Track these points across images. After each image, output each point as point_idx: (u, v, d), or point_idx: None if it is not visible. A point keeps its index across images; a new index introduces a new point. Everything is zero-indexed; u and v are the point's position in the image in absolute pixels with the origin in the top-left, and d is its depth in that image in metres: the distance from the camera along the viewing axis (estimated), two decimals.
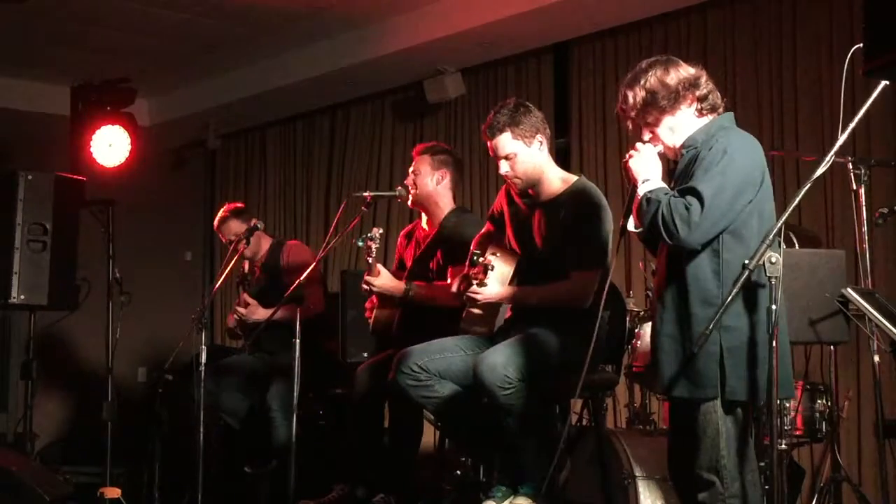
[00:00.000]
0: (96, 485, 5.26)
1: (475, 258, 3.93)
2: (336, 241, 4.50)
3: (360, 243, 4.46)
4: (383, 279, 4.52)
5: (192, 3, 6.35)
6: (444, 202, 4.69)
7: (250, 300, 5.53)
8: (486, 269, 3.87)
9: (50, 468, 5.23)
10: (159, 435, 5.25)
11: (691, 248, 3.05)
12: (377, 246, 4.45)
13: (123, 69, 6.07)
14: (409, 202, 4.72)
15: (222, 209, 5.82)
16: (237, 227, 5.57)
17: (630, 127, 3.28)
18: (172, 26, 6.72)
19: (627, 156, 3.22)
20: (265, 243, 5.80)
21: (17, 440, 5.92)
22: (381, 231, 4.50)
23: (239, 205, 5.92)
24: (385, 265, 4.65)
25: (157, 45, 7.06)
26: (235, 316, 5.60)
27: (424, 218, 4.76)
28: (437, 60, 6.72)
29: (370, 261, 4.47)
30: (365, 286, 4.56)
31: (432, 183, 4.64)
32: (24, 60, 7.29)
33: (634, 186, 3.18)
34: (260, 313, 5.42)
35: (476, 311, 4.02)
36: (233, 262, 5.16)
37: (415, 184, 4.65)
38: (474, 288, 3.91)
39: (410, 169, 4.69)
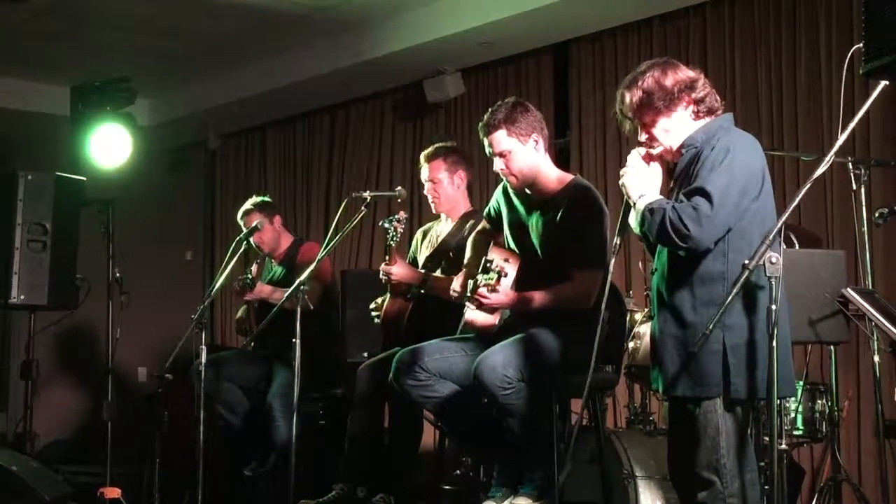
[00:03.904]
0: (96, 485, 5.25)
1: (488, 265, 3.90)
2: (337, 241, 4.50)
3: (387, 225, 4.47)
4: (401, 268, 4.54)
5: (193, 3, 6.35)
6: (463, 202, 4.77)
7: (261, 284, 5.56)
8: (499, 275, 3.85)
9: (50, 468, 5.21)
10: (159, 435, 5.24)
11: (704, 248, 3.04)
12: (402, 230, 4.48)
13: (123, 69, 6.06)
14: (435, 210, 4.76)
15: (248, 201, 5.82)
16: (259, 220, 5.59)
17: (626, 129, 3.29)
18: (172, 26, 6.73)
19: (621, 173, 3.23)
20: (285, 241, 5.82)
21: (17, 440, 5.91)
22: (406, 215, 4.52)
23: (265, 199, 5.91)
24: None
25: (157, 45, 7.06)
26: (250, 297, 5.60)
27: (444, 217, 4.79)
28: (437, 60, 6.72)
29: (392, 246, 4.48)
30: (383, 276, 4.57)
31: (452, 188, 4.70)
32: (24, 60, 7.29)
33: (626, 203, 3.19)
34: (278, 294, 5.41)
35: (479, 320, 3.99)
36: (234, 258, 5.13)
37: (437, 192, 4.68)
38: (482, 292, 3.88)
39: (425, 178, 4.69)
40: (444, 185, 4.69)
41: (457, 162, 4.71)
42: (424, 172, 4.72)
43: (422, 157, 4.76)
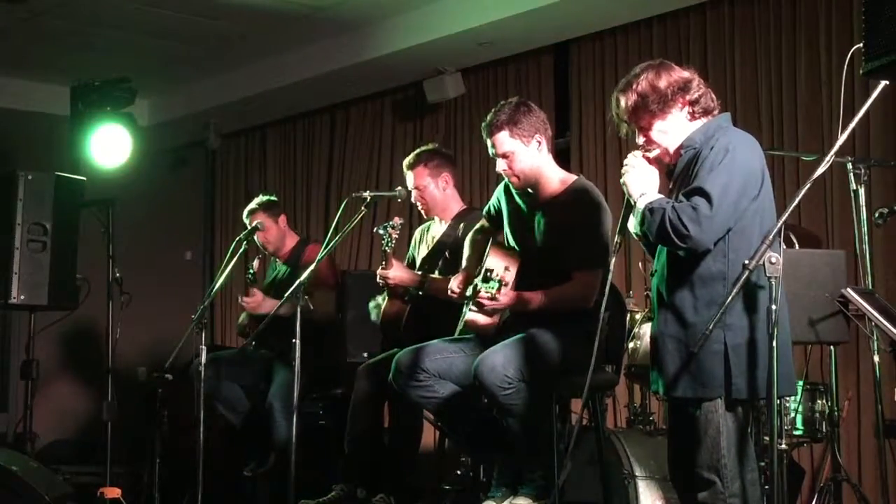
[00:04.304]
0: (96, 485, 5.25)
1: (489, 274, 3.88)
2: (336, 241, 4.50)
3: (382, 231, 4.48)
4: (398, 271, 4.54)
5: (192, 3, 6.35)
6: (454, 202, 4.78)
7: (257, 292, 5.54)
8: (500, 284, 3.84)
9: (50, 468, 5.21)
10: (159, 435, 5.24)
11: (704, 248, 3.04)
12: (397, 236, 4.48)
13: (123, 69, 6.06)
14: (425, 216, 4.78)
15: (254, 200, 5.80)
16: (263, 220, 5.59)
17: (623, 133, 3.30)
18: (172, 26, 6.73)
19: (622, 171, 3.24)
20: (290, 241, 5.81)
21: (17, 440, 5.91)
22: (401, 221, 4.53)
23: (271, 198, 5.87)
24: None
25: (157, 45, 7.06)
26: (243, 307, 5.60)
27: (437, 218, 4.80)
28: (437, 60, 6.72)
29: (388, 251, 4.49)
30: (380, 280, 4.57)
31: (439, 192, 4.70)
32: (24, 60, 7.29)
33: (627, 201, 3.20)
34: (266, 305, 5.42)
35: (480, 320, 3.99)
36: (235, 258, 5.13)
37: (423, 199, 4.69)
38: (484, 296, 3.88)
39: (411, 186, 4.70)
40: (430, 190, 4.70)
41: (439, 165, 4.71)
42: (409, 181, 4.72)
43: (404, 165, 4.77)
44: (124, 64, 6.63)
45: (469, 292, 3.98)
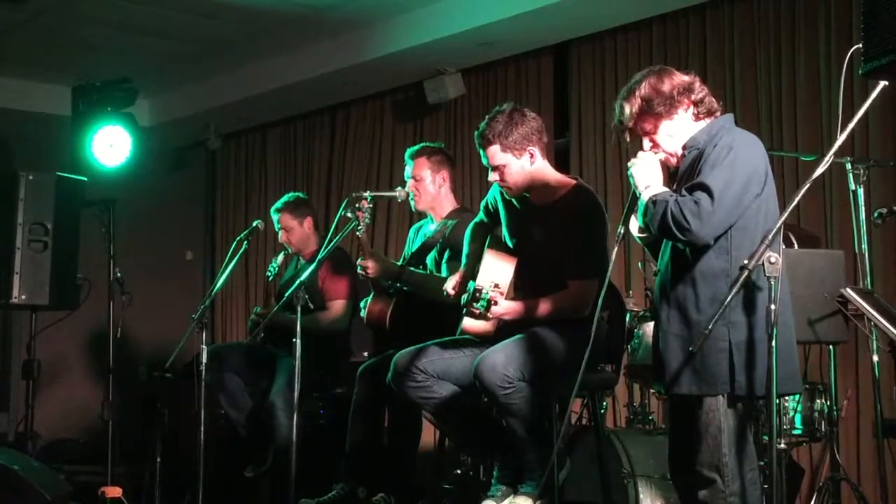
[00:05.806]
0: (97, 484, 5.26)
1: (478, 293, 3.85)
2: (336, 241, 4.51)
3: (350, 214, 4.47)
4: (375, 262, 4.56)
5: (192, 2, 6.36)
6: (448, 201, 4.78)
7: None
8: (489, 304, 3.83)
9: (51, 467, 5.21)
10: (159, 435, 5.24)
11: (704, 243, 3.06)
12: (367, 220, 4.48)
13: (124, 69, 6.07)
14: (415, 207, 4.78)
15: (283, 198, 5.72)
16: (286, 220, 5.57)
17: (628, 139, 3.31)
18: (172, 26, 6.73)
19: (629, 164, 3.25)
20: (314, 243, 5.74)
21: (17, 440, 5.92)
22: (370, 205, 4.52)
23: (300, 196, 5.77)
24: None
25: (157, 45, 7.07)
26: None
27: (431, 217, 4.81)
28: (437, 60, 6.73)
29: (361, 237, 4.50)
30: (360, 272, 4.60)
31: (435, 186, 4.72)
32: (26, 61, 7.30)
33: (633, 194, 3.21)
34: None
35: (474, 328, 3.98)
36: (235, 258, 5.13)
37: (417, 190, 4.70)
38: (475, 308, 3.87)
39: (409, 174, 4.72)
40: (426, 184, 4.72)
41: (441, 162, 4.74)
42: (408, 169, 4.75)
43: (406, 154, 4.80)
44: (125, 64, 6.65)
45: (464, 299, 3.96)
